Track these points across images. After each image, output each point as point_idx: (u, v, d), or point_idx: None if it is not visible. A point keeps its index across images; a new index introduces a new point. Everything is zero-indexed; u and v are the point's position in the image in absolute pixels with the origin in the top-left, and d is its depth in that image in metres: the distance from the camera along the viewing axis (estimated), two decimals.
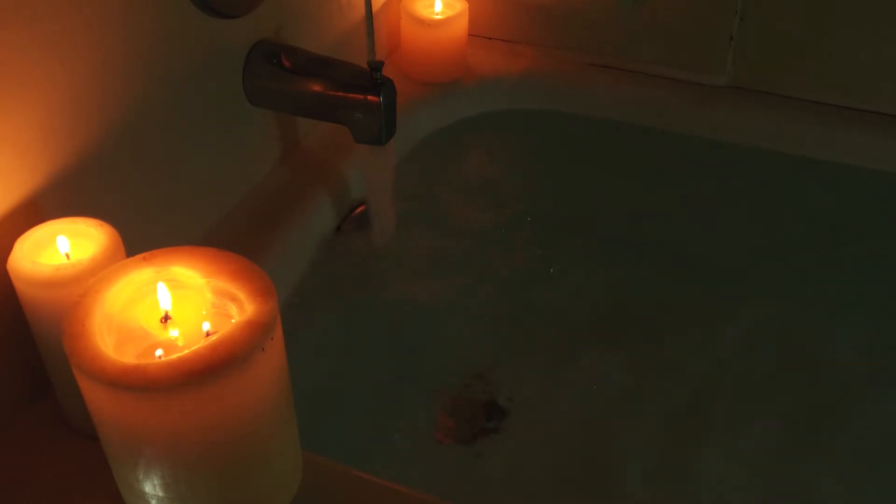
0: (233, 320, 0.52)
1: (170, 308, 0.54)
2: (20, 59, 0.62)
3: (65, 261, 0.60)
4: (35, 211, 0.66)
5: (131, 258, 0.55)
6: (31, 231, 0.62)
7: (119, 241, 0.62)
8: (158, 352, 0.54)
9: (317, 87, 0.89)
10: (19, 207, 0.65)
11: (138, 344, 0.55)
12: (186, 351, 0.48)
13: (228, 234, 0.91)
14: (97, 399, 0.50)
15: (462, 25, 1.18)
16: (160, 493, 0.53)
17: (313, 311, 0.99)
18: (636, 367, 1.11)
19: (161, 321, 0.54)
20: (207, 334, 0.53)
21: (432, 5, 1.18)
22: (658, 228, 1.22)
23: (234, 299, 0.53)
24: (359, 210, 1.04)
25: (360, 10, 1.09)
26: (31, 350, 0.65)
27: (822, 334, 1.12)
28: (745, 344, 1.12)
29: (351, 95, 0.88)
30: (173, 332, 0.54)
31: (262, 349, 0.50)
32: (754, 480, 0.99)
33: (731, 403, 1.06)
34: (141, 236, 0.69)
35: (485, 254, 1.21)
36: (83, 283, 0.53)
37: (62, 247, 0.61)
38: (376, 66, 0.87)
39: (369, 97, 0.87)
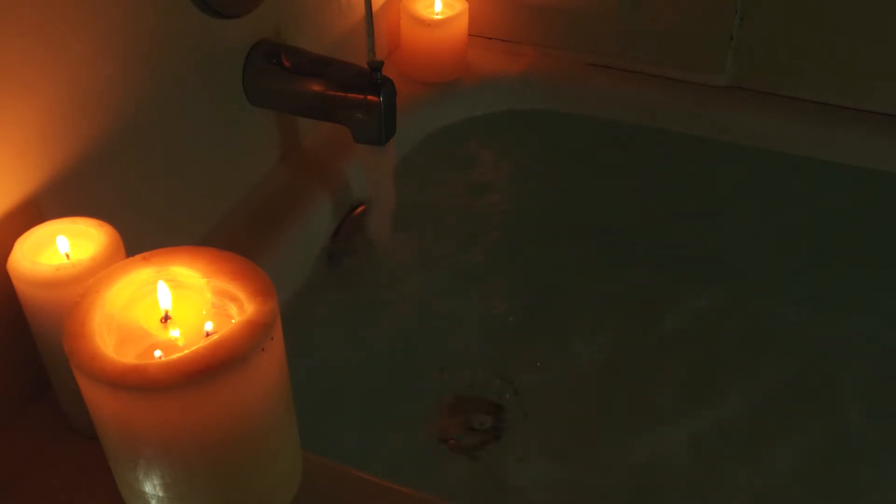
0: (233, 320, 0.52)
1: (170, 307, 0.54)
2: (20, 59, 0.62)
3: (65, 261, 0.60)
4: (35, 211, 0.66)
5: (131, 258, 0.55)
6: (31, 231, 0.62)
7: (119, 241, 0.62)
8: (158, 352, 0.54)
9: (317, 87, 0.89)
10: (19, 207, 0.65)
11: (138, 344, 0.55)
12: (186, 351, 0.48)
13: (228, 234, 0.91)
14: (97, 399, 0.50)
15: (462, 25, 1.18)
16: (160, 493, 0.53)
17: (313, 311, 0.99)
18: (636, 366, 1.11)
19: (161, 321, 0.54)
20: (208, 334, 0.53)
21: (432, 5, 1.18)
22: (658, 228, 1.22)
23: (234, 299, 0.53)
24: (359, 210, 1.04)
25: (360, 10, 1.09)
26: (31, 350, 0.65)
27: (822, 332, 1.12)
28: (745, 342, 1.13)
29: (351, 95, 0.88)
30: (173, 332, 0.54)
31: (262, 349, 0.50)
32: (760, 481, 0.99)
33: (734, 404, 1.06)
34: (141, 236, 0.69)
35: (485, 253, 1.21)
36: (83, 283, 0.53)
37: (62, 247, 0.61)
38: (376, 66, 0.87)
39: (369, 97, 0.87)
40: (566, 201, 1.25)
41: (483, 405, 1.06)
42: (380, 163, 0.95)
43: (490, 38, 1.29)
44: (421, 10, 1.17)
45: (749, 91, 1.19)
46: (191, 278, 0.54)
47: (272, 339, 0.51)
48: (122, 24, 0.71)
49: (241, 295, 0.52)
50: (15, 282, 0.60)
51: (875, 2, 1.07)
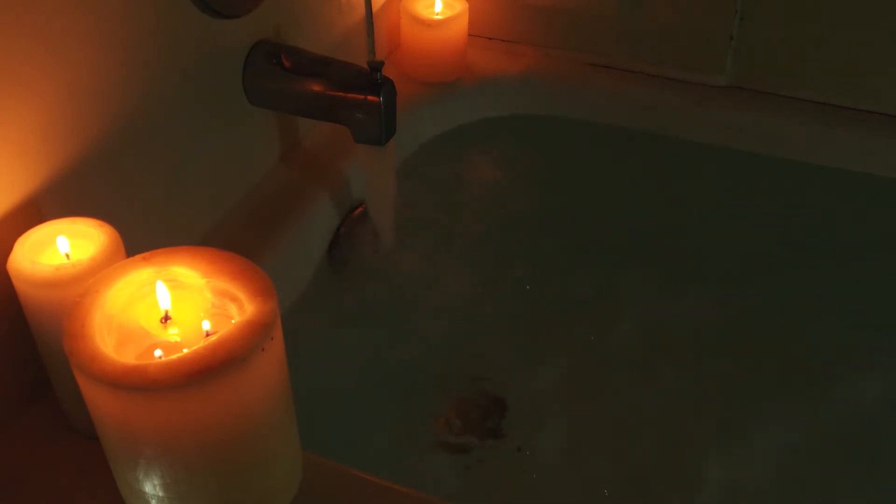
0: (233, 320, 0.52)
1: (169, 307, 0.54)
2: (20, 59, 0.62)
3: (65, 261, 0.60)
4: (35, 211, 0.66)
5: (131, 258, 0.55)
6: (31, 231, 0.62)
7: (119, 241, 0.62)
8: (158, 352, 0.54)
9: (317, 87, 0.89)
10: (19, 207, 0.65)
11: (138, 344, 0.55)
12: (186, 351, 0.48)
13: (228, 234, 0.91)
14: (97, 399, 0.50)
15: (462, 25, 1.18)
16: (160, 493, 0.53)
17: (313, 311, 0.99)
18: (636, 367, 1.11)
19: (161, 321, 0.54)
20: (207, 334, 0.53)
21: (432, 5, 1.18)
22: (657, 228, 1.22)
23: (234, 299, 0.53)
24: (359, 210, 1.04)
25: (360, 10, 1.09)
26: (31, 350, 0.65)
27: (822, 334, 1.12)
28: (743, 343, 1.13)
29: (351, 95, 0.88)
30: (173, 332, 0.54)
31: (262, 349, 0.50)
32: (760, 483, 0.99)
33: (730, 408, 1.06)
34: (141, 236, 0.69)
35: (485, 254, 1.21)
36: (83, 283, 0.53)
37: (62, 247, 0.61)
38: (376, 66, 0.87)
39: (369, 97, 0.87)
40: (566, 201, 1.25)
41: (485, 407, 1.06)
42: (380, 163, 0.95)
43: (490, 38, 1.29)
44: (421, 10, 1.17)
45: (749, 91, 1.19)
46: (191, 278, 0.54)
47: (272, 339, 0.51)
48: (122, 24, 0.71)
49: (241, 295, 0.52)
50: (15, 282, 0.60)
51: (875, 2, 1.07)
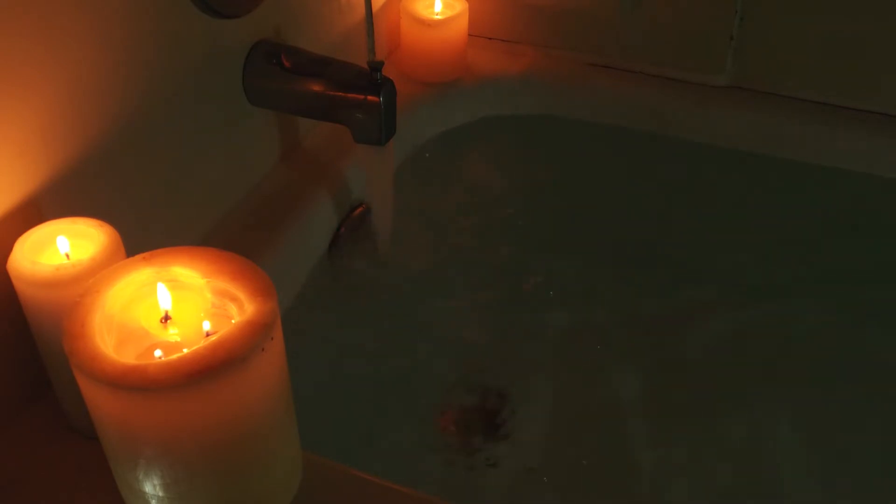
0: (233, 320, 0.52)
1: (169, 308, 0.54)
2: (20, 59, 0.62)
3: (65, 261, 0.60)
4: (35, 211, 0.66)
5: (131, 258, 0.55)
6: (31, 231, 0.62)
7: (119, 241, 0.62)
8: (158, 352, 0.54)
9: (317, 87, 0.89)
10: (19, 207, 0.65)
11: (138, 344, 0.55)
12: (186, 351, 0.48)
13: (228, 234, 0.91)
14: (97, 399, 0.50)
15: (462, 25, 1.18)
16: (160, 493, 0.53)
17: (313, 311, 0.99)
18: (636, 369, 1.11)
19: (161, 321, 0.54)
20: (207, 334, 0.53)
21: (432, 5, 1.18)
22: (656, 229, 1.22)
23: (234, 299, 0.53)
24: (359, 210, 1.04)
25: (360, 10, 1.09)
26: (31, 350, 0.65)
27: (825, 339, 1.12)
28: (742, 346, 1.13)
29: (351, 95, 0.88)
30: (173, 332, 0.54)
31: (262, 349, 0.50)
32: (750, 477, 0.99)
33: (729, 403, 1.06)
34: (141, 236, 0.69)
35: (485, 254, 1.21)
36: (83, 283, 0.53)
37: (62, 247, 0.61)
38: (376, 66, 0.87)
39: (369, 97, 0.87)
40: (566, 201, 1.25)
41: (486, 408, 1.06)
42: (380, 163, 0.95)
43: (490, 38, 1.29)
44: (421, 10, 1.17)
45: (749, 91, 1.19)
46: (191, 278, 0.54)
47: (272, 339, 0.51)
48: (122, 24, 0.71)
49: (241, 295, 0.52)
50: (15, 282, 0.60)
51: (876, 2, 1.07)
